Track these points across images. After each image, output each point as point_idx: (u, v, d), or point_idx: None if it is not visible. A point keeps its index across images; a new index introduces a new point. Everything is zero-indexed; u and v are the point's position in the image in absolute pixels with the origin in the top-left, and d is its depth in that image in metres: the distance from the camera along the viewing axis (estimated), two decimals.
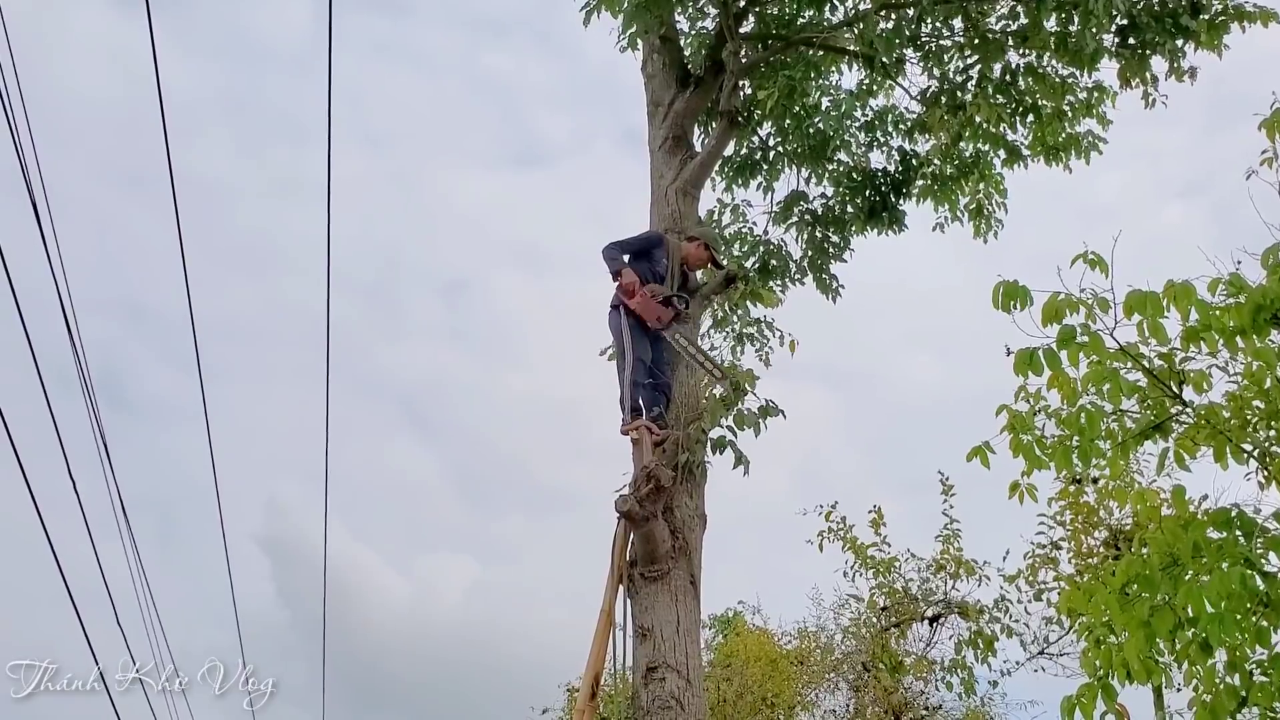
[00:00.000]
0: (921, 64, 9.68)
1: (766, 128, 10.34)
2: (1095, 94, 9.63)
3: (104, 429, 7.49)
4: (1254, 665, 5.24)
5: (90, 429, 7.44)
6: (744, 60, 9.17)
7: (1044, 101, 9.56)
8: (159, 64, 5.62)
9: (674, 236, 7.91)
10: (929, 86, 9.79)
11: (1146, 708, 10.92)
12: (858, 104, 10.28)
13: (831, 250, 10.35)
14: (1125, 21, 8.75)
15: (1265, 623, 4.99)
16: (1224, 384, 5.72)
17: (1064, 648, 12.30)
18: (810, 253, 10.32)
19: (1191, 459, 5.62)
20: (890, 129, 10.37)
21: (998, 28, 9.29)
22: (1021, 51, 9.30)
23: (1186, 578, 4.94)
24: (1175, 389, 5.46)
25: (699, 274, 7.95)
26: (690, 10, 9.79)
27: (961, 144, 10.01)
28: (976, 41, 9.26)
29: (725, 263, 8.30)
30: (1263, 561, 4.97)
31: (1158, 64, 9.04)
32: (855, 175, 10.30)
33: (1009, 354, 5.22)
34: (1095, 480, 11.37)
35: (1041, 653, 12.45)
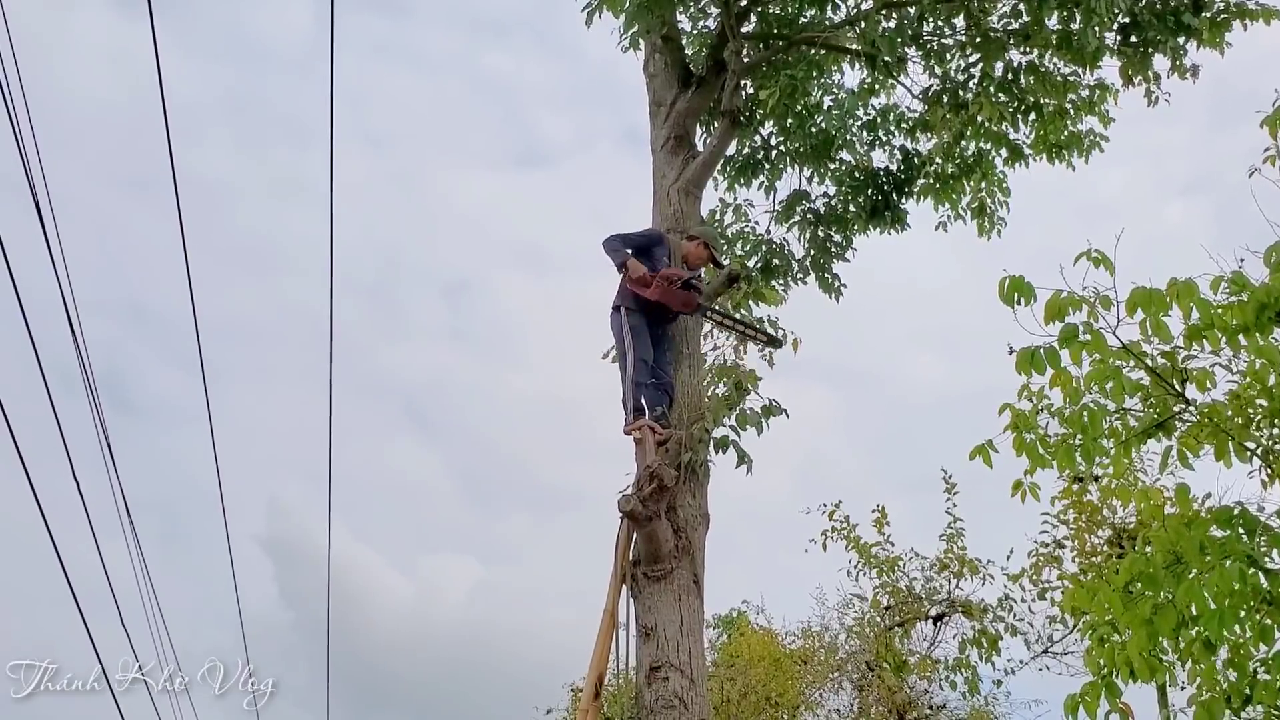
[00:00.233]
0: (923, 63, 9.67)
1: (768, 127, 10.34)
2: (1097, 92, 9.62)
3: (107, 429, 7.50)
4: (1258, 663, 5.24)
5: (93, 430, 7.45)
6: (746, 60, 9.17)
7: (1046, 100, 9.55)
8: (161, 65, 5.63)
9: (675, 236, 7.91)
10: (931, 85, 9.78)
11: (1150, 706, 10.91)
12: (859, 103, 10.28)
13: (834, 249, 10.34)
14: (1127, 19, 8.74)
15: (1268, 620, 5.00)
16: (1227, 382, 5.72)
17: (1068, 646, 12.31)
18: (812, 252, 10.32)
19: (1194, 457, 5.62)
20: (892, 128, 10.36)
21: (999, 26, 9.28)
22: (1023, 50, 9.29)
23: (1190, 576, 4.94)
24: (1178, 387, 5.46)
25: (701, 272, 7.95)
26: (692, 10, 9.80)
27: (963, 143, 10.00)
28: (978, 40, 9.25)
29: (726, 262, 8.29)
30: (1266, 559, 4.97)
31: (1160, 62, 9.03)
32: (857, 174, 10.29)
33: (1011, 352, 5.22)
34: (1098, 479, 11.36)
35: (1045, 651, 12.45)
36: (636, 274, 7.31)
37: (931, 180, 10.25)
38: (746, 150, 10.49)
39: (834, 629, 13.72)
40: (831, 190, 10.39)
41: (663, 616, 6.24)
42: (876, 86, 10.24)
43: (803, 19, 9.45)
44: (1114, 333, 5.16)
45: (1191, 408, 5.53)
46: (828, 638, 13.76)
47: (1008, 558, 12.51)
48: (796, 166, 10.41)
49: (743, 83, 9.24)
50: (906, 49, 9.40)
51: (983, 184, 10.34)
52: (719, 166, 10.02)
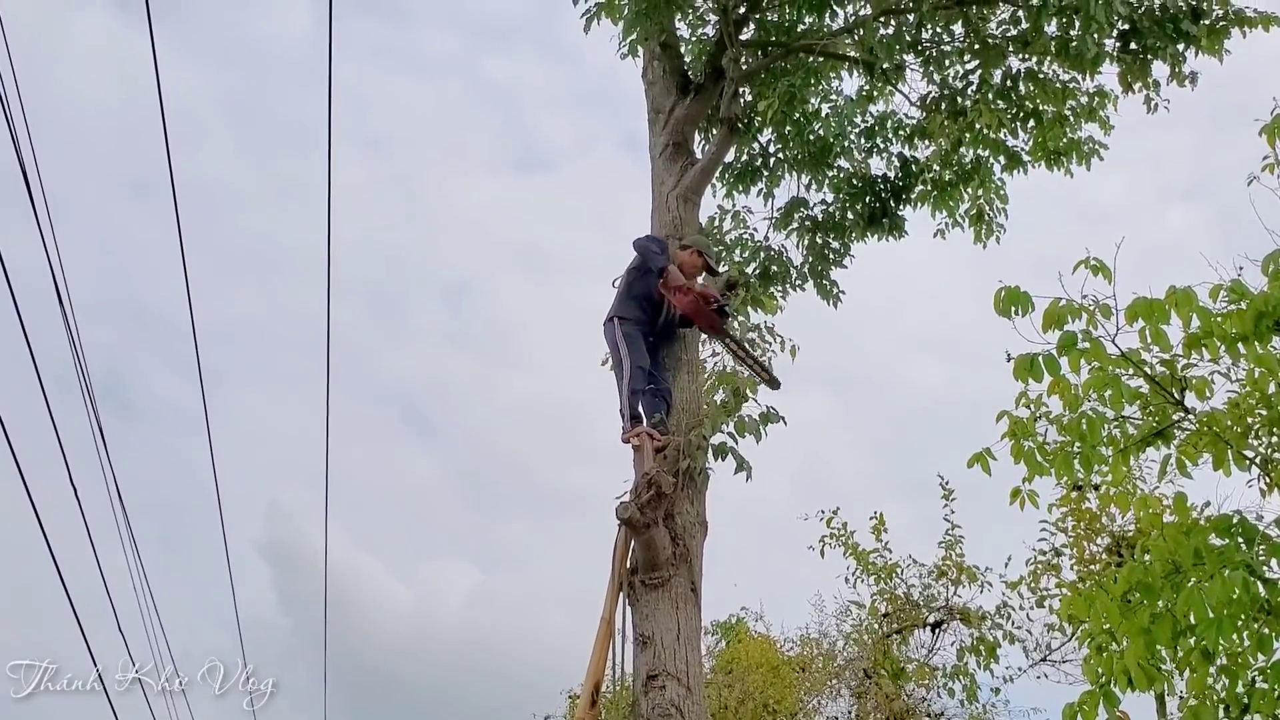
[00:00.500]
0: (922, 70, 9.68)
1: (767, 134, 10.36)
2: (1096, 99, 9.62)
3: (105, 433, 7.49)
4: (1256, 672, 5.23)
5: (92, 433, 7.44)
6: (744, 67, 9.17)
7: (1045, 106, 9.55)
8: (160, 69, 5.63)
9: (673, 243, 7.92)
10: (929, 92, 9.79)
11: (1149, 716, 10.88)
12: (858, 110, 10.29)
13: (832, 256, 10.36)
14: (1126, 26, 8.74)
15: (1266, 630, 4.98)
16: (1225, 391, 5.72)
17: (1066, 654, 12.29)
18: (811, 259, 10.33)
19: (1193, 465, 5.62)
20: (890, 135, 10.37)
21: (998, 33, 9.29)
22: (1022, 57, 9.30)
23: (1189, 585, 4.93)
24: (1177, 395, 5.46)
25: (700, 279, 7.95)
26: (690, 17, 9.81)
27: (962, 150, 10.00)
28: (977, 47, 9.26)
29: (722, 269, 8.29)
30: (1264, 568, 4.96)
31: (1159, 69, 9.02)
32: (855, 181, 10.30)
33: (1009, 360, 5.21)
34: (1097, 486, 11.34)
35: (1044, 659, 12.43)
36: (676, 282, 7.32)
37: (929, 187, 10.26)
38: (745, 157, 10.51)
39: (832, 636, 13.72)
40: (830, 197, 10.41)
41: (660, 625, 6.22)
42: (875, 94, 10.25)
43: (801, 26, 9.45)
44: (1113, 341, 5.16)
45: (1190, 416, 5.52)
46: (826, 645, 13.75)
47: (1006, 565, 12.50)
48: (795, 173, 10.43)
49: (741, 90, 9.25)
50: (905, 56, 9.41)
51: (981, 191, 10.34)
52: (718, 173, 10.03)
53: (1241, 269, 5.36)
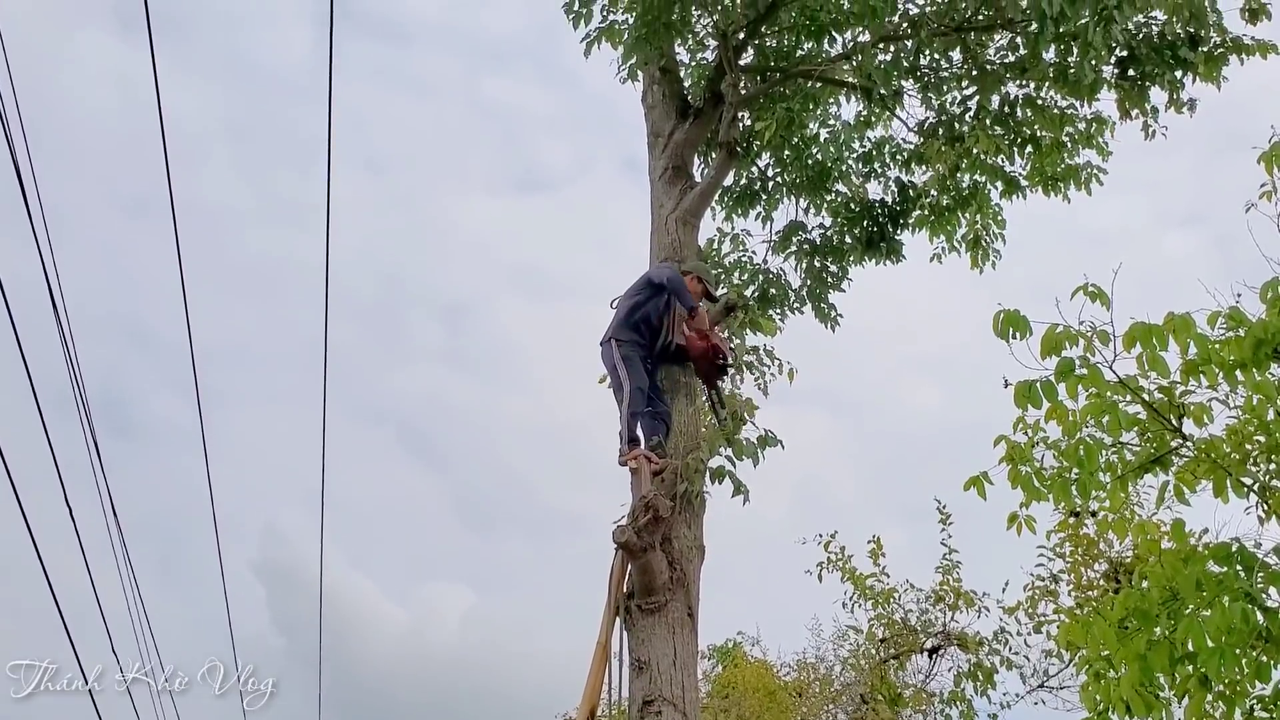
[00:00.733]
0: (919, 95, 9.73)
1: (765, 158, 10.39)
2: (1094, 125, 9.65)
3: (101, 452, 7.49)
4: (1254, 700, 5.21)
5: (88, 452, 7.44)
6: (743, 92, 9.21)
7: (1043, 132, 9.58)
8: (161, 89, 5.65)
9: (671, 265, 7.94)
10: (927, 118, 9.83)
11: None
12: (856, 135, 10.33)
13: (830, 280, 10.38)
14: (1124, 53, 8.78)
15: (1265, 658, 4.96)
16: (1224, 418, 5.71)
17: (1064, 681, 12.21)
18: (809, 282, 10.35)
19: (1191, 492, 5.61)
20: (888, 160, 10.41)
21: (996, 59, 9.34)
22: (1020, 83, 9.33)
23: (1186, 612, 4.92)
24: (1175, 422, 5.45)
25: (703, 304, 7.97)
26: (690, 42, 9.85)
27: (959, 175, 10.03)
28: (975, 73, 9.30)
29: (720, 292, 8.31)
30: (1263, 596, 4.94)
31: (1157, 95, 9.07)
32: (853, 206, 10.34)
33: (1007, 385, 5.21)
34: (1094, 513, 11.33)
35: (1041, 685, 12.36)
36: (703, 326, 7.41)
37: (927, 212, 10.29)
38: (744, 181, 10.54)
39: (829, 661, 13.65)
40: (828, 221, 10.45)
41: (656, 650, 6.19)
42: (872, 119, 10.29)
43: (800, 52, 9.50)
44: (1111, 367, 5.16)
45: (1188, 443, 5.52)
46: (823, 669, 13.69)
47: (1003, 590, 12.45)
48: (793, 197, 10.47)
49: (740, 114, 9.28)
50: (903, 82, 9.46)
51: (978, 216, 10.36)
52: (716, 196, 10.05)
53: (1240, 296, 5.37)
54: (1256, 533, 6.18)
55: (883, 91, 8.91)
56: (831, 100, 10.22)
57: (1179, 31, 8.62)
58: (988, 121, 9.46)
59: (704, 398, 7.54)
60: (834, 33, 9.26)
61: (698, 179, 8.90)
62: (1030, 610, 12.16)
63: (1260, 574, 5.00)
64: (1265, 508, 5.85)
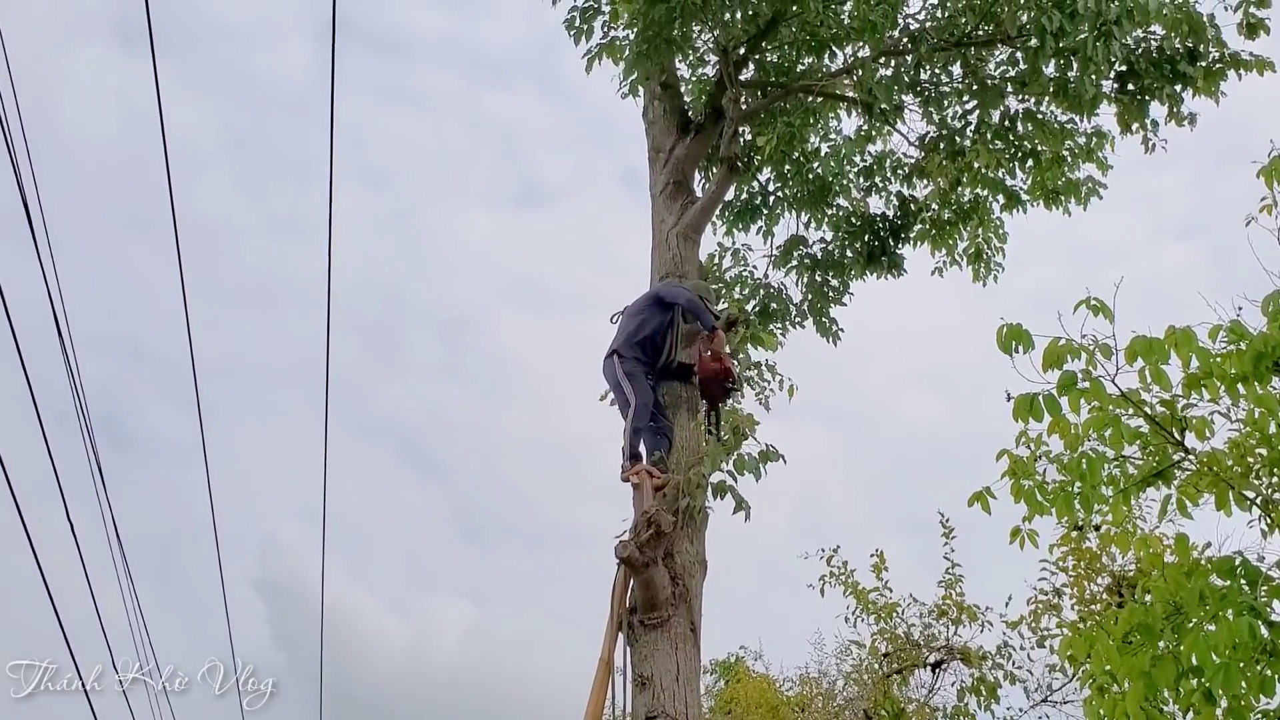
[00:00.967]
0: (920, 110, 9.75)
1: (766, 173, 10.42)
2: (1095, 139, 9.69)
3: (103, 466, 7.48)
4: (1260, 715, 5.19)
5: (90, 466, 7.44)
6: (744, 107, 9.24)
7: (1043, 147, 9.61)
8: (162, 104, 5.66)
9: (672, 280, 7.96)
10: (928, 132, 9.86)
11: None
12: (856, 150, 10.35)
13: (831, 294, 10.40)
14: (1124, 68, 8.81)
15: (1269, 672, 4.95)
16: (1226, 431, 5.70)
17: (1068, 695, 12.16)
18: (810, 296, 10.36)
19: (1194, 506, 5.60)
20: (889, 174, 10.43)
21: (996, 74, 9.37)
22: (1020, 97, 9.36)
23: (1190, 626, 4.90)
24: (1177, 435, 5.45)
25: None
26: (691, 58, 9.88)
27: (960, 189, 10.05)
28: (975, 87, 9.32)
29: (721, 306, 8.32)
30: (1268, 610, 4.93)
31: (1156, 109, 9.10)
32: (854, 220, 10.35)
33: (1009, 399, 5.21)
34: (1097, 526, 11.30)
35: (1045, 700, 12.31)
36: (720, 347, 7.38)
37: (928, 226, 10.30)
38: (745, 196, 10.56)
39: (832, 675, 13.61)
40: (829, 235, 10.47)
41: (659, 665, 6.17)
42: (873, 133, 10.32)
43: (800, 67, 9.53)
44: (1113, 380, 5.16)
45: (1191, 456, 5.51)
46: (825, 684, 13.64)
47: (1006, 604, 12.41)
48: (794, 212, 10.49)
49: (741, 129, 9.31)
50: (903, 96, 9.49)
51: (979, 230, 10.38)
52: (717, 211, 10.07)
53: (1241, 309, 5.37)
54: (1260, 546, 6.17)
55: (883, 106, 8.94)
56: (832, 115, 10.25)
57: (1178, 46, 8.66)
58: (988, 136, 9.50)
59: (703, 413, 7.53)
60: (834, 48, 9.29)
61: (699, 194, 8.91)
62: (1033, 624, 12.12)
63: (1264, 588, 4.99)
64: (1268, 521, 5.83)
